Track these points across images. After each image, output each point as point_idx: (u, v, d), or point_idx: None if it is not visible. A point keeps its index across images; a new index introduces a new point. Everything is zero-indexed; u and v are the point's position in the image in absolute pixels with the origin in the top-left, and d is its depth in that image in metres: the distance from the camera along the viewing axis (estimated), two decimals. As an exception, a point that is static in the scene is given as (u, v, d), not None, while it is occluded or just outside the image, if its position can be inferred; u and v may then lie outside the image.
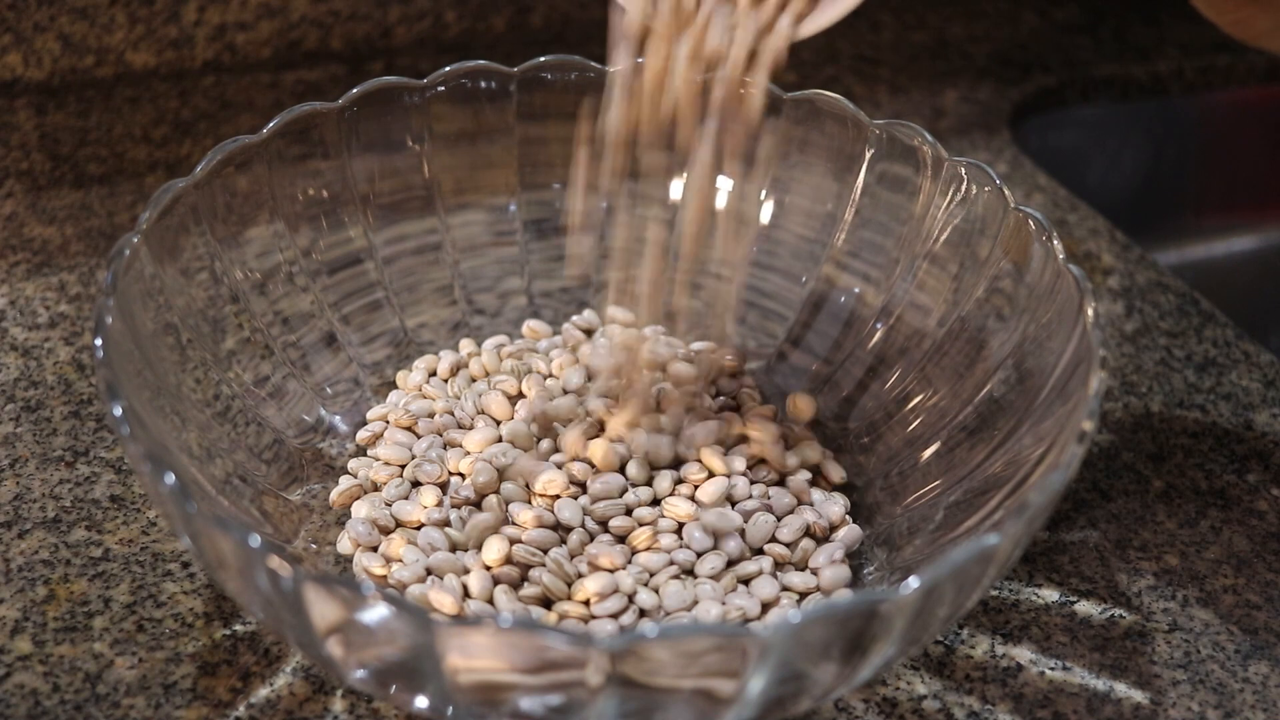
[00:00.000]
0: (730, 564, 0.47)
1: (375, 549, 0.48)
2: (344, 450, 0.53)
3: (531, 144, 0.57)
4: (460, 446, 0.51)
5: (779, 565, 0.48)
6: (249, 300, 0.52)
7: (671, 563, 0.47)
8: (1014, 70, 0.84)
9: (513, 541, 0.47)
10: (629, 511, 0.48)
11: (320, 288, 0.54)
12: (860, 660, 0.39)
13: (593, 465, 0.50)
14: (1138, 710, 0.46)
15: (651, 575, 0.47)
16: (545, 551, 0.47)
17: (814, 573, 0.48)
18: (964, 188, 0.52)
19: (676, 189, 0.57)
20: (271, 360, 0.52)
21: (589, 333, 0.57)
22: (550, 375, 0.54)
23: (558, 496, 0.48)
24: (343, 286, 0.55)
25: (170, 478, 0.38)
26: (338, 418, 0.53)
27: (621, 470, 0.50)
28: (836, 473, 0.52)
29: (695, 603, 0.46)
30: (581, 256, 0.56)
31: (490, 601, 0.45)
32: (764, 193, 0.57)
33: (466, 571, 0.46)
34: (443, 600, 0.45)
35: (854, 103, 0.55)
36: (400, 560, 0.47)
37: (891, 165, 0.54)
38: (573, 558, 0.47)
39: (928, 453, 0.51)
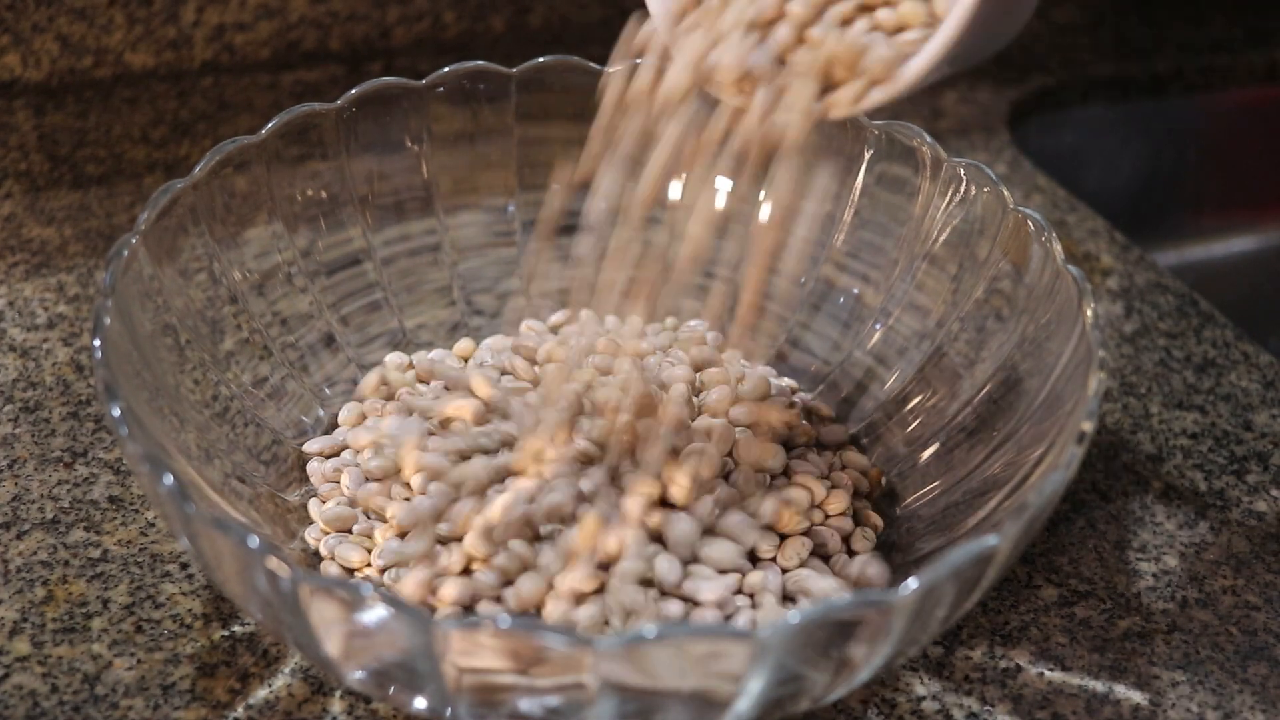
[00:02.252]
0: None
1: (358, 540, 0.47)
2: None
3: (530, 145, 0.57)
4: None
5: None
6: (247, 301, 0.52)
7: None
8: (1013, 71, 0.84)
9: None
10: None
11: (319, 288, 0.54)
12: (859, 661, 0.39)
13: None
14: (1137, 711, 0.46)
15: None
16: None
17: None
18: (963, 188, 0.52)
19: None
20: (270, 361, 0.52)
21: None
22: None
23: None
24: (341, 287, 0.55)
25: (169, 478, 0.38)
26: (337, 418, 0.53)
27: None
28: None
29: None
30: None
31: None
32: (762, 194, 0.57)
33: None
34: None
35: (853, 103, 0.55)
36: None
37: (890, 166, 0.54)
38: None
39: (927, 454, 0.51)
